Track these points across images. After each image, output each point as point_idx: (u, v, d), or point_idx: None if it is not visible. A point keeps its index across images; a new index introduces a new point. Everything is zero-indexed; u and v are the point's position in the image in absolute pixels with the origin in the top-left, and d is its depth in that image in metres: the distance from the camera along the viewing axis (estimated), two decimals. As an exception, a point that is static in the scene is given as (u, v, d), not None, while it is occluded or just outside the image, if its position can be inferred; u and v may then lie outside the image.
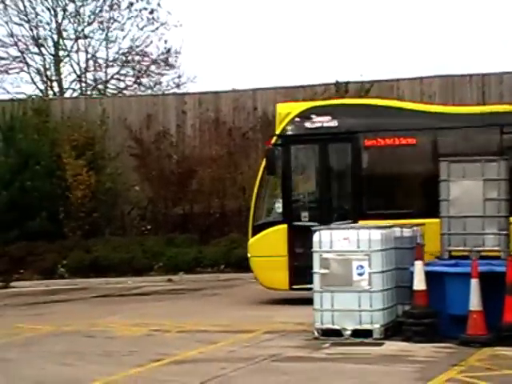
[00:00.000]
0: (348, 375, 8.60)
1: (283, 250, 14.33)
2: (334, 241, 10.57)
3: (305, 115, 14.67)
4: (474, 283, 9.72)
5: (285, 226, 14.41)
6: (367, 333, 10.27)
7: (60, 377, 9.13)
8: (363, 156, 14.53)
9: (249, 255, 14.90)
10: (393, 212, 13.65)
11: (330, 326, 10.46)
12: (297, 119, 14.69)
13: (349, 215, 14.21)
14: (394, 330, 10.38)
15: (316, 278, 10.64)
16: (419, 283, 10.07)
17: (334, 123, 14.45)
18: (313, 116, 14.59)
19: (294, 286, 14.19)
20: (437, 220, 12.19)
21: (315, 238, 10.74)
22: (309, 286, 12.70)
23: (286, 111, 14.91)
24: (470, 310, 9.68)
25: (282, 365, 9.21)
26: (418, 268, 10.10)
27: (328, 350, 9.86)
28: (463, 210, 11.34)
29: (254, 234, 14.82)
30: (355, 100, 16.33)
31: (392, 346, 9.86)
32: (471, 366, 8.75)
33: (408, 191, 14.72)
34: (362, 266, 10.38)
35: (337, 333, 10.40)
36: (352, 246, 10.48)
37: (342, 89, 20.41)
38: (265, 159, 14.78)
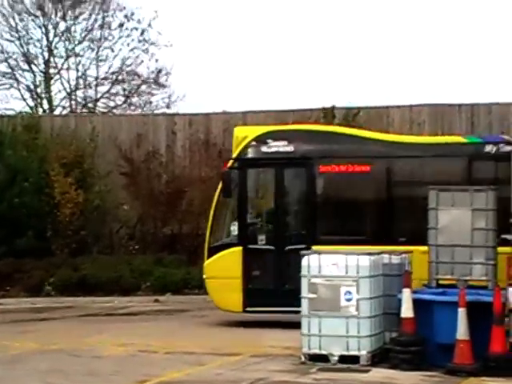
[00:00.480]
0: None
1: (238, 272, 14.51)
2: (323, 266, 10.60)
3: (261, 139, 14.85)
4: (462, 312, 9.77)
5: (240, 248, 14.59)
6: (354, 359, 10.27)
7: (46, 396, 9.14)
8: (318, 181, 14.84)
9: (204, 276, 15.03)
10: (346, 238, 13.94)
11: (317, 351, 10.46)
12: (253, 143, 14.85)
13: (303, 240, 14.25)
14: (381, 357, 10.39)
15: (304, 303, 10.65)
16: (407, 311, 10.12)
17: (290, 148, 14.69)
18: (269, 140, 14.78)
19: (248, 309, 14.43)
20: (391, 247, 12.48)
21: (304, 262, 10.77)
22: (262, 308, 14.19)
23: (243, 135, 15.10)
24: (457, 338, 9.72)
25: (269, 389, 9.24)
26: (406, 295, 10.15)
27: (315, 375, 9.84)
28: (451, 238, 11.39)
29: (209, 256, 14.92)
30: (311, 126, 16.42)
31: (378, 373, 9.86)
32: (458, 395, 8.83)
33: (361, 217, 14.87)
34: (350, 292, 10.41)
35: (324, 358, 10.40)
36: (340, 271, 10.51)
37: (329, 114, 20.53)
38: (221, 182, 14.99)
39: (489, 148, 14.07)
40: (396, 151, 14.58)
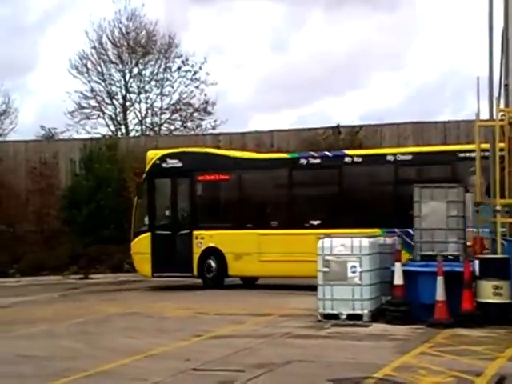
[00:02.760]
0: (345, 348, 8.57)
1: (148, 249, 16.07)
2: (334, 246, 10.57)
3: (162, 159, 16.35)
4: (440, 279, 9.71)
5: (149, 233, 16.16)
6: (358, 317, 10.24)
7: (127, 346, 9.11)
8: (197, 187, 16.33)
9: (131, 252, 16.62)
10: (215, 225, 15.70)
11: (329, 311, 10.44)
12: (157, 162, 16.36)
13: (189, 226, 15.84)
14: (378, 315, 10.33)
15: (320, 275, 10.62)
16: (398, 279, 10.05)
17: (180, 164, 16.17)
18: (167, 159, 16.30)
19: (155, 274, 16.12)
20: (241, 231, 15.14)
21: (319, 244, 10.73)
22: (164, 274, 16.03)
23: (152, 156, 16.66)
24: (436, 299, 9.65)
25: (294, 340, 9.17)
26: (398, 268, 10.08)
27: (329, 330, 9.82)
28: (431, 224, 11.26)
29: (134, 238, 16.50)
30: (193, 148, 17.43)
31: (377, 327, 9.82)
32: (438, 342, 8.70)
33: (225, 211, 16.39)
34: (355, 266, 10.36)
35: (335, 316, 10.38)
36: (347, 250, 10.47)
37: (336, 131, 20.44)
38: (136, 189, 17.12)
39: (303, 161, 15.29)
40: (242, 164, 15.85)
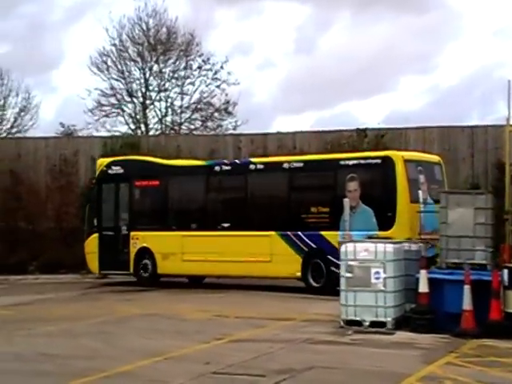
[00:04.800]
0: (368, 356, 8.52)
1: (96, 248, 17.52)
2: (357, 252, 10.51)
3: (109, 166, 17.81)
4: (467, 288, 9.61)
5: (97, 234, 17.60)
6: (382, 324, 10.18)
7: (146, 347, 9.14)
8: (134, 191, 17.70)
9: (85, 251, 17.82)
10: (150, 226, 17.05)
11: (352, 317, 10.38)
12: (104, 168, 17.84)
13: (128, 227, 17.29)
14: (402, 323, 10.25)
15: (342, 280, 10.57)
16: (423, 287, 9.97)
17: (122, 171, 17.62)
18: (112, 166, 17.75)
19: (102, 272, 17.73)
20: (167, 233, 16.60)
21: (342, 248, 10.70)
22: (109, 271, 17.81)
23: (100, 163, 18.14)
24: (462, 309, 9.56)
25: (316, 346, 9.15)
26: (423, 275, 10.00)
27: (351, 337, 9.77)
28: (458, 231, 11.16)
29: (86, 238, 17.84)
30: (132, 156, 18.65)
31: (401, 335, 9.75)
32: (464, 353, 8.62)
33: (157, 213, 17.37)
34: (378, 272, 10.30)
35: (358, 323, 10.32)
36: (371, 256, 10.40)
37: (362, 134, 20.30)
38: (88, 194, 18.45)
39: (217, 167, 16.57)
40: (169, 171, 17.19)
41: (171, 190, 17.14)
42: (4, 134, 28.88)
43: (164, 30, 29.29)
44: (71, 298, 15.17)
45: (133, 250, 17.08)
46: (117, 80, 29.35)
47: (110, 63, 29.15)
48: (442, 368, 7.79)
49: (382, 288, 10.22)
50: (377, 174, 14.60)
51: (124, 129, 29.32)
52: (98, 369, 7.83)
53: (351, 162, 14.78)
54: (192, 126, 30.53)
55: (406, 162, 14.33)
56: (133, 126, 29.84)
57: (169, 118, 30.46)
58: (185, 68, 29.66)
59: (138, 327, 10.78)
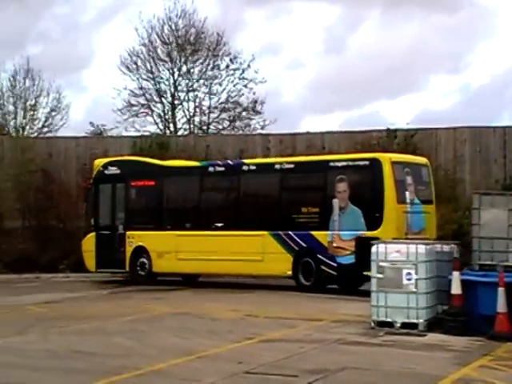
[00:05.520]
0: (400, 357, 8.48)
1: (93, 247, 17.92)
2: (388, 252, 10.47)
3: (105, 166, 18.23)
4: (501, 290, 9.49)
5: (94, 233, 18.01)
6: (413, 326, 10.11)
7: (178, 346, 9.21)
8: (130, 191, 18.08)
9: (82, 249, 18.24)
10: (145, 226, 17.43)
11: (383, 318, 10.33)
12: (101, 169, 18.26)
13: (124, 227, 17.69)
14: (434, 325, 10.16)
15: (373, 281, 10.52)
16: (456, 288, 9.87)
17: (118, 171, 18.00)
18: (108, 167, 18.17)
19: (99, 270, 17.95)
20: (163, 232, 16.98)
21: (373, 249, 10.63)
22: (105, 269, 18.05)
23: (97, 164, 18.52)
24: (497, 311, 9.45)
25: (347, 347, 9.12)
26: (456, 277, 9.91)
27: (383, 338, 9.73)
28: (491, 232, 11.06)
29: (83, 237, 18.30)
30: (128, 157, 19.30)
31: (433, 337, 9.66)
32: (499, 356, 8.53)
33: (154, 213, 17.70)
34: (410, 273, 10.24)
35: (389, 324, 10.27)
36: (402, 257, 10.34)
37: (391, 134, 20.17)
38: (85, 193, 18.73)
39: (211, 168, 17.00)
40: (164, 172, 17.59)
41: (166, 190, 17.56)
42: (35, 134, 29.29)
43: (193, 30, 29.47)
44: (101, 297, 15.35)
45: (129, 249, 17.53)
46: (146, 80, 29.61)
47: (139, 63, 29.43)
48: (477, 371, 7.73)
49: (414, 289, 10.15)
50: (365, 175, 14.99)
51: (153, 129, 29.59)
52: (131, 367, 7.91)
53: (340, 164, 15.22)
54: (220, 126, 30.69)
55: (394, 163, 14.72)
56: (162, 126, 30.09)
57: (197, 118, 30.65)
58: (213, 68, 29.83)
59: (169, 326, 10.84)
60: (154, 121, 30.01)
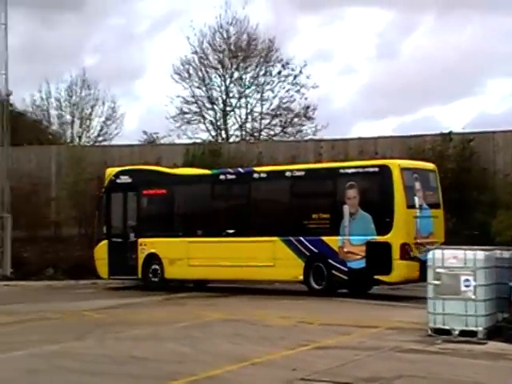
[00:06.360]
0: (459, 366, 8.29)
1: (105, 255, 18.34)
2: (446, 259, 10.26)
3: (117, 175, 18.72)
4: None
5: (106, 241, 18.45)
6: (472, 333, 9.88)
7: (232, 352, 9.22)
8: (142, 200, 18.54)
9: (95, 257, 18.65)
10: (157, 233, 17.80)
11: (441, 326, 10.11)
12: (113, 178, 18.78)
13: (136, 235, 18.12)
14: (494, 333, 9.92)
15: (430, 288, 10.33)
16: (517, 296, 9.63)
17: (130, 180, 18.50)
18: (121, 176, 18.64)
19: (111, 277, 18.40)
20: (174, 239, 17.39)
21: (430, 255, 10.46)
22: (118, 276, 18.48)
23: (109, 173, 19.00)
24: (560, 319, 9.17)
25: (403, 355, 8.96)
26: (516, 283, 9.66)
27: (440, 346, 9.52)
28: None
29: (96, 245, 18.70)
30: (139, 167, 19.56)
31: (494, 346, 9.42)
32: (562, 366, 8.28)
33: (165, 221, 18.12)
34: (468, 280, 10.02)
35: (446, 332, 10.04)
36: (460, 263, 10.12)
37: (447, 139, 19.81)
38: (97, 202, 19.01)
39: (222, 176, 17.29)
40: (175, 180, 18.00)
41: (178, 198, 18.00)
42: (91, 143, 29.98)
43: (245, 37, 29.70)
44: (156, 303, 15.53)
45: (141, 256, 17.90)
46: (198, 88, 29.99)
47: (191, 71, 29.83)
48: (540, 381, 7.51)
49: (473, 296, 9.92)
50: (375, 181, 15.33)
51: (204, 136, 29.89)
52: (186, 372, 7.97)
53: (350, 171, 15.55)
54: (272, 132, 30.74)
55: (403, 169, 15.12)
56: (213, 133, 30.36)
57: (249, 125, 30.80)
58: (264, 74, 29.95)
59: (222, 332, 10.89)
60: (206, 128, 30.37)
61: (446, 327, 10.08)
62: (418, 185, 15.27)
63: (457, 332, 9.99)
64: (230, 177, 17.25)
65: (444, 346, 9.47)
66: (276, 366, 8.39)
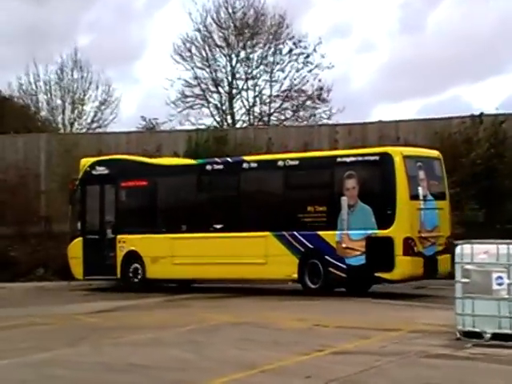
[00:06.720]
0: (492, 373, 8.21)
1: (80, 253, 18.32)
2: (475, 254, 10.16)
3: (92, 166, 18.56)
4: None
5: (81, 238, 18.43)
6: (506, 337, 9.74)
7: (240, 358, 9.18)
8: (120, 193, 18.44)
9: (68, 256, 18.68)
10: (137, 229, 17.74)
11: (470, 328, 10.00)
12: (88, 169, 18.61)
13: (114, 231, 18.06)
14: (530, 336, 9.86)
15: (458, 286, 10.23)
16: (555, 295, 9.53)
17: (107, 171, 18.32)
18: (97, 167, 18.48)
19: (86, 277, 18.42)
20: (156, 235, 17.36)
21: (457, 250, 10.34)
22: (94, 276, 18.38)
23: (83, 164, 18.81)
24: None
25: (429, 360, 8.88)
26: (555, 281, 9.56)
27: (470, 350, 9.43)
28: None
29: (70, 242, 18.76)
30: (117, 156, 19.33)
31: (530, 350, 9.35)
32: None
33: (146, 215, 18.03)
34: (501, 277, 9.90)
35: (477, 335, 9.94)
36: (492, 259, 9.99)
37: (477, 121, 19.65)
38: (69, 196, 18.91)
39: (208, 166, 17.26)
40: (157, 171, 17.96)
41: (160, 190, 17.86)
42: (84, 129, 29.99)
43: (251, 12, 29.66)
44: (156, 305, 15.56)
45: (120, 254, 17.84)
46: (201, 69, 30.02)
47: (193, 50, 29.89)
48: None
49: (506, 296, 9.81)
50: (375, 170, 15.23)
51: (209, 121, 29.91)
52: (189, 381, 7.96)
53: (349, 159, 15.43)
54: (282, 117, 30.71)
55: (405, 157, 15.02)
56: (218, 118, 30.38)
57: (257, 109, 30.77)
58: (274, 53, 29.89)
59: (230, 336, 10.87)
60: (211, 113, 30.42)
61: (477, 330, 9.98)
62: (421, 174, 15.19)
63: (489, 335, 9.88)
64: (217, 167, 17.18)
65: (474, 351, 9.38)
66: (288, 373, 8.35)
